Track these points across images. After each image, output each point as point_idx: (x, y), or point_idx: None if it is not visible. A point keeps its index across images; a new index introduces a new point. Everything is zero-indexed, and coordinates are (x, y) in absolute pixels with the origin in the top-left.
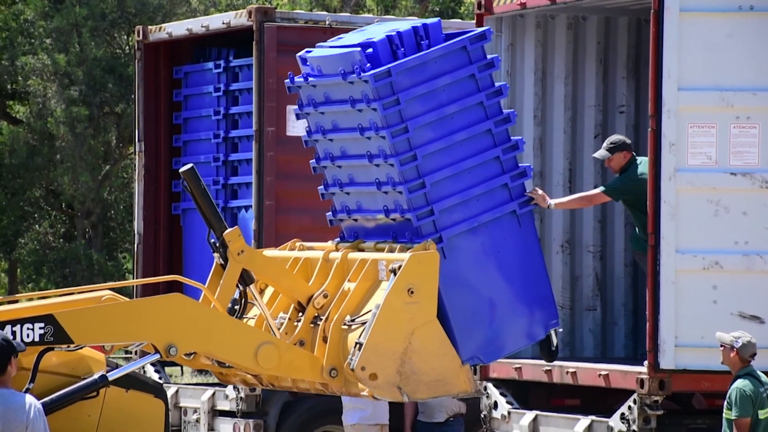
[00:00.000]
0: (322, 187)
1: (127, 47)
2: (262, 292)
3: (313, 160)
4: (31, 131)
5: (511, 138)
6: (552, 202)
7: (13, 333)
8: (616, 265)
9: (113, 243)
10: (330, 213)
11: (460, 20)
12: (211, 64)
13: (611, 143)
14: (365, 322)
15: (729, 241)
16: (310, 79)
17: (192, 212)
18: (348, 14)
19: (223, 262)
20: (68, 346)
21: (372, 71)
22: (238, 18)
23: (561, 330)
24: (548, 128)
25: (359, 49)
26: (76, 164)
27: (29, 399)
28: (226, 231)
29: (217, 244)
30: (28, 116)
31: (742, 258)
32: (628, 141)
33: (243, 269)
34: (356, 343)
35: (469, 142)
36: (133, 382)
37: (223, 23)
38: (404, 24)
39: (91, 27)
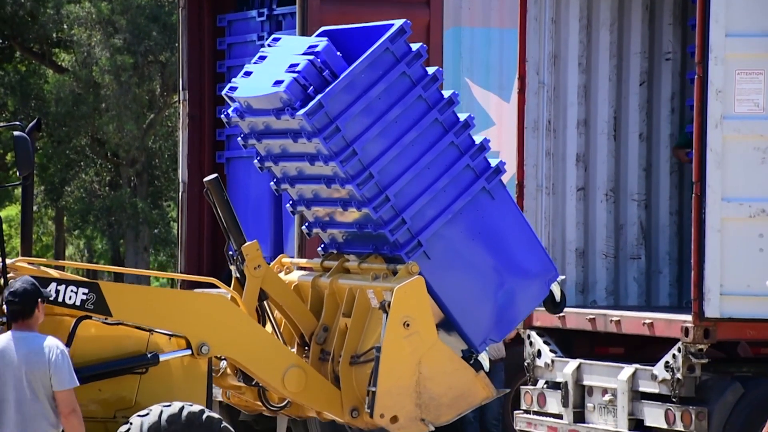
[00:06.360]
0: (289, 205)
1: None
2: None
3: (273, 182)
4: (77, 80)
5: (460, 118)
6: None
7: (57, 291)
8: (660, 213)
9: (158, 191)
10: (305, 227)
11: None
12: (254, 12)
13: None
14: (371, 360)
15: None
16: (246, 116)
17: (236, 161)
18: None
19: (238, 275)
20: (106, 319)
21: (304, 109)
22: None
23: (564, 277)
24: (593, 76)
25: (282, 89)
26: (121, 113)
27: (52, 341)
28: (245, 244)
29: (235, 257)
30: (73, 65)
31: None
32: None
33: None
34: (368, 392)
35: (420, 139)
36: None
37: None
38: (298, 52)
39: None
